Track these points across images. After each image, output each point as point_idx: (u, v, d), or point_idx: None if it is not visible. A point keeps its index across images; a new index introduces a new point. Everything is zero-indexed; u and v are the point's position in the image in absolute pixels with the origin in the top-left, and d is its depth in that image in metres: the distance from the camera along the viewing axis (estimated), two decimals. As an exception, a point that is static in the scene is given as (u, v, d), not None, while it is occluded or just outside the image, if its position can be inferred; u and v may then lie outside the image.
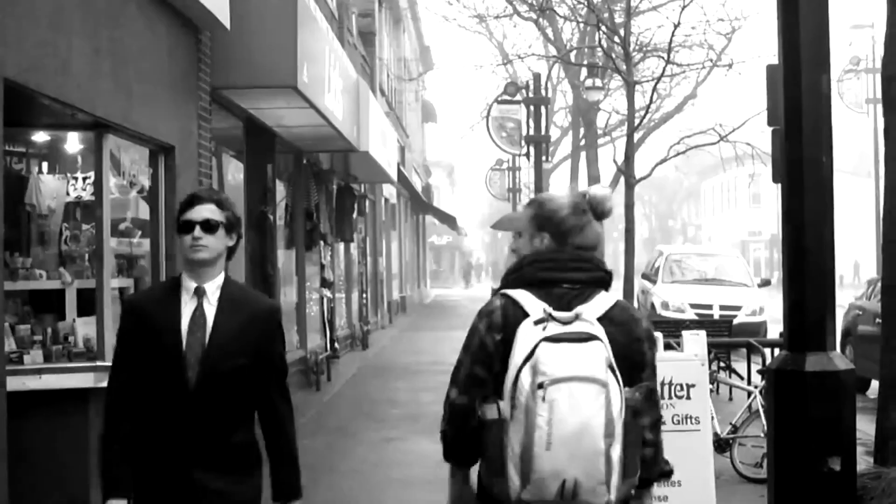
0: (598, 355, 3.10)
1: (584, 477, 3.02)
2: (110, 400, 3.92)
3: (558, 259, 3.35)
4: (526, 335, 3.13)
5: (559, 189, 3.61)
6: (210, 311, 3.91)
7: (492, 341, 3.27)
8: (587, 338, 3.12)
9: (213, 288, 3.95)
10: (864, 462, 7.43)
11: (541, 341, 3.08)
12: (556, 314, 3.17)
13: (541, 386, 3.01)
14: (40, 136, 8.32)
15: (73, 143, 8.28)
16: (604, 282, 3.40)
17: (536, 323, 3.14)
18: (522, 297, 3.27)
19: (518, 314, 3.22)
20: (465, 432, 3.28)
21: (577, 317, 3.17)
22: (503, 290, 3.36)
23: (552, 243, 3.40)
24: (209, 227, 3.90)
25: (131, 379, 3.86)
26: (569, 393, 3.01)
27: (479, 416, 3.19)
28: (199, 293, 3.93)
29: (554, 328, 3.13)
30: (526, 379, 3.04)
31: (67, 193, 8.36)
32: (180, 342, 3.83)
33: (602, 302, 3.31)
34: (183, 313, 3.89)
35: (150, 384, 3.84)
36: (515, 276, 3.36)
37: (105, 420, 3.90)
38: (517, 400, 3.05)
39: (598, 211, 3.48)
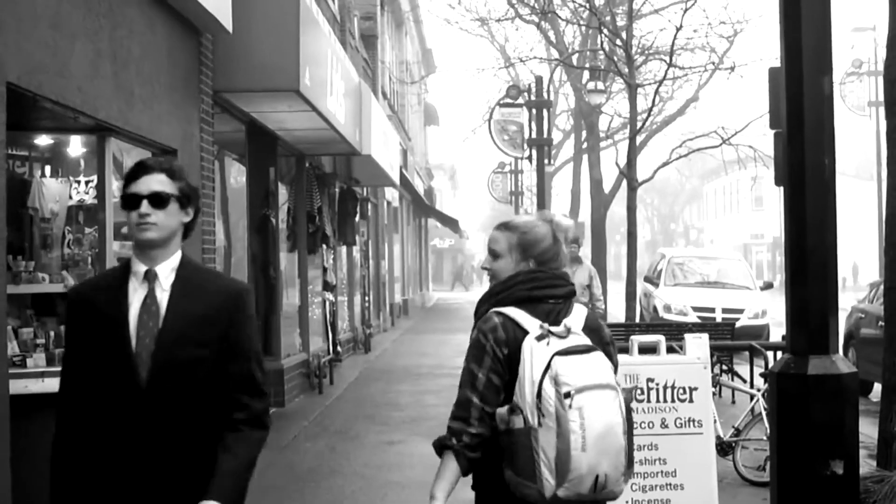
0: (604, 364, 3.56)
1: (612, 470, 3.46)
2: (61, 412, 3.45)
3: (541, 278, 3.74)
4: (535, 351, 3.50)
5: (525, 215, 4.00)
6: (163, 297, 3.42)
7: (501, 354, 3.58)
8: (588, 349, 3.56)
9: (166, 271, 3.45)
10: (866, 465, 7.44)
11: (554, 355, 3.47)
12: (553, 329, 3.57)
13: (567, 395, 3.39)
14: (43, 140, 8.32)
15: (76, 146, 8.29)
16: (573, 294, 3.82)
17: (539, 339, 3.52)
18: (517, 314, 3.64)
19: (517, 331, 3.59)
20: (490, 431, 3.56)
21: (569, 331, 3.59)
22: (497, 309, 3.68)
23: (534, 266, 3.77)
24: (159, 200, 3.41)
25: (83, 384, 3.40)
26: (592, 400, 3.43)
27: (506, 426, 3.50)
28: (150, 277, 3.43)
29: (556, 343, 3.53)
30: (550, 390, 3.41)
31: (70, 197, 8.37)
32: (128, 334, 3.35)
33: (579, 313, 3.76)
34: (131, 301, 3.40)
35: (100, 386, 3.36)
36: (505, 295, 3.71)
37: (56, 435, 3.45)
38: (545, 409, 3.40)
39: (564, 238, 3.86)
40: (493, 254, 3.82)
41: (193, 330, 3.40)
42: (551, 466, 3.39)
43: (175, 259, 3.49)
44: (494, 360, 3.59)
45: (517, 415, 3.46)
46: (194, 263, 3.61)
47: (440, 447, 3.68)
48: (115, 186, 7.94)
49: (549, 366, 3.45)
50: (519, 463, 3.46)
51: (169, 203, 3.43)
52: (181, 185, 3.49)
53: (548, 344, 3.51)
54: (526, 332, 3.57)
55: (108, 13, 7.26)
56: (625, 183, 18.04)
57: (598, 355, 3.56)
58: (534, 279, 3.72)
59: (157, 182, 3.43)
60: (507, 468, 3.51)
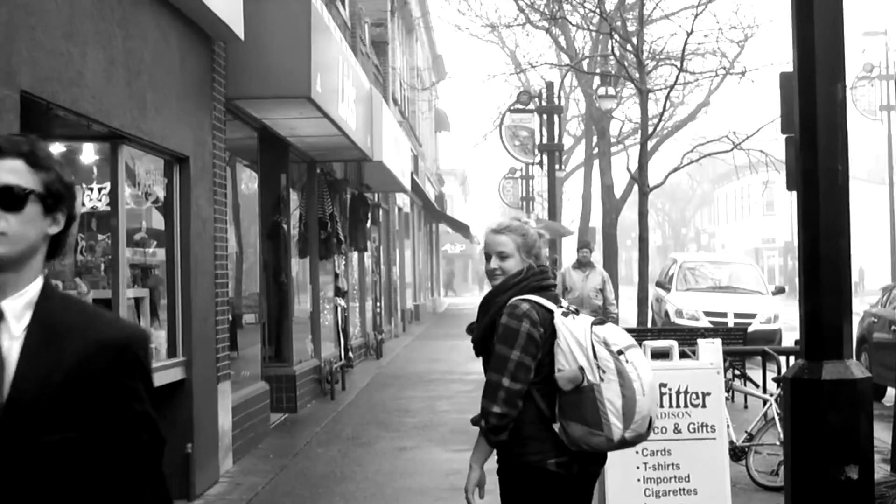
0: (621, 329, 4.28)
1: (655, 412, 4.23)
2: None
3: (545, 272, 4.34)
4: (570, 324, 4.12)
5: (507, 218, 4.56)
6: (12, 347, 2.25)
7: (538, 334, 4.10)
8: (602, 321, 4.23)
9: (18, 307, 2.29)
10: (880, 470, 7.41)
11: (591, 325, 4.12)
12: (571, 308, 4.24)
13: (620, 353, 4.05)
14: (56, 148, 8.34)
15: (89, 153, 8.32)
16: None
17: (565, 315, 4.15)
18: (539, 299, 4.19)
19: (543, 312, 4.15)
20: (516, 412, 4.07)
21: (578, 311, 4.26)
22: (521, 297, 4.18)
23: (534, 262, 4.32)
24: (12, 199, 2.29)
25: None
26: (637, 355, 4.11)
27: (574, 385, 4.04)
28: None
29: (579, 318, 4.17)
30: (603, 351, 4.05)
31: (83, 204, 8.39)
32: None
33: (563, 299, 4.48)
34: None
35: None
36: (523, 286, 4.22)
37: None
38: (604, 366, 4.03)
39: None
40: (502, 255, 4.29)
41: (57, 399, 2.24)
42: (619, 414, 4.01)
43: (33, 289, 2.33)
44: (529, 340, 4.08)
45: (585, 373, 4.03)
46: (62, 296, 2.43)
47: (475, 423, 4.18)
48: (127, 194, 7.97)
49: (592, 333, 4.08)
50: (588, 416, 4.02)
51: (27, 203, 2.31)
52: (48, 178, 2.36)
53: (574, 319, 4.14)
54: (551, 312, 4.15)
55: (121, 22, 7.29)
56: (636, 188, 18.02)
57: (612, 325, 4.24)
58: (542, 273, 4.30)
59: (9, 171, 2.31)
60: (572, 423, 4.05)
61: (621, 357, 4.04)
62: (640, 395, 4.03)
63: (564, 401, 4.08)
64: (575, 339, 4.07)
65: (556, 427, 4.11)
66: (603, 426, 4.02)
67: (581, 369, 4.03)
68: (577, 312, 4.21)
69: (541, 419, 4.12)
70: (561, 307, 4.20)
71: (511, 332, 4.09)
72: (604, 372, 4.02)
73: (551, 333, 4.12)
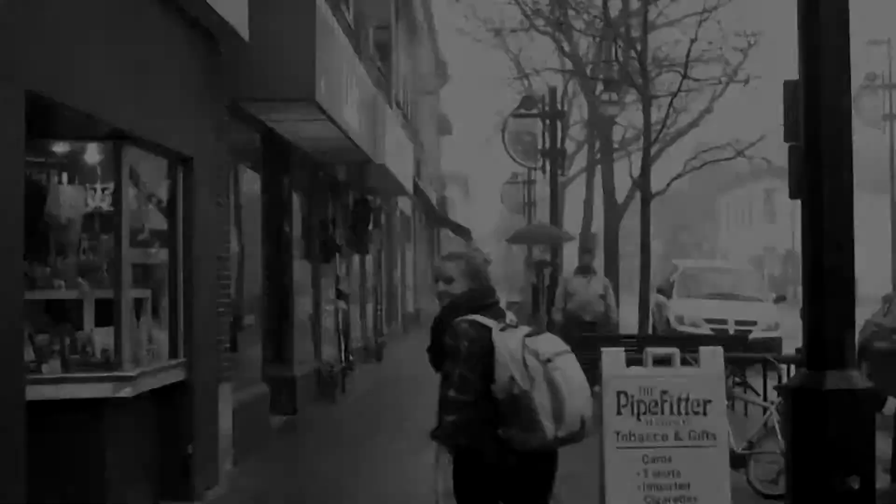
0: (556, 338, 4.75)
1: (588, 412, 4.59)
2: None
3: (486, 292, 4.88)
4: (506, 337, 4.59)
5: (456, 246, 4.70)
6: None
7: (477, 349, 4.58)
8: (538, 332, 4.71)
9: None
10: (881, 480, 7.40)
11: (524, 337, 4.58)
12: (509, 323, 4.72)
13: (548, 360, 4.50)
14: (60, 147, 8.34)
15: (93, 153, 8.31)
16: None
17: (502, 330, 4.62)
18: (478, 318, 4.68)
19: (481, 330, 4.64)
20: (467, 419, 4.55)
21: (517, 324, 4.74)
22: (462, 318, 4.67)
23: (477, 285, 4.86)
24: None
25: None
26: (566, 361, 4.57)
27: (506, 394, 4.49)
28: None
29: (516, 330, 4.64)
30: (532, 360, 4.50)
31: (87, 204, 8.38)
32: None
33: (509, 313, 4.89)
34: None
35: None
36: (467, 307, 4.73)
37: None
38: (534, 373, 4.48)
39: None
40: (447, 279, 4.85)
41: None
42: (549, 416, 4.46)
43: None
44: (469, 356, 4.56)
45: (515, 382, 4.47)
46: None
47: (432, 437, 4.67)
48: (131, 194, 7.98)
49: (524, 345, 4.53)
50: (522, 419, 4.48)
51: None
52: None
53: (510, 333, 4.61)
54: (488, 329, 4.62)
55: (127, 21, 7.30)
56: (638, 194, 18.01)
57: (549, 334, 4.73)
58: (484, 293, 4.85)
59: None
60: (510, 428, 4.53)
61: (549, 365, 4.50)
62: (568, 397, 4.47)
63: (502, 407, 4.55)
64: (508, 351, 4.53)
65: (501, 432, 4.58)
66: (536, 428, 4.48)
67: (511, 378, 4.49)
68: (515, 326, 4.68)
69: (491, 423, 4.58)
70: (502, 322, 4.67)
71: (453, 351, 4.62)
72: (533, 380, 4.48)
73: (491, 348, 4.58)
